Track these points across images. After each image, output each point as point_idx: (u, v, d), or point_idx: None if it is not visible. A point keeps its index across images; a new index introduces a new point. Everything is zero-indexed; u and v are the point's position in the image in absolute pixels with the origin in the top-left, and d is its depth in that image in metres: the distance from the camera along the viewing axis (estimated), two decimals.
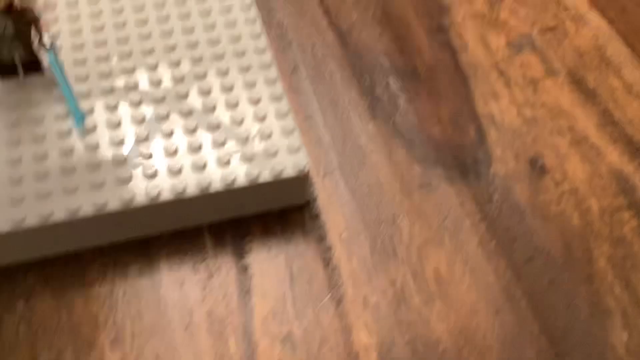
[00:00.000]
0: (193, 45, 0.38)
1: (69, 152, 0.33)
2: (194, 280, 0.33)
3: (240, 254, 0.34)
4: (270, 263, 0.34)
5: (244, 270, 0.33)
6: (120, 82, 0.36)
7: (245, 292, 0.33)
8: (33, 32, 0.34)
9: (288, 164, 0.33)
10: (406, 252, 0.34)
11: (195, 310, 0.32)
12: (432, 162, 0.38)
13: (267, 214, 0.35)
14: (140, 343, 0.31)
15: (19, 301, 0.32)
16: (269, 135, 0.34)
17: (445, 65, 0.42)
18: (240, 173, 0.33)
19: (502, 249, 0.35)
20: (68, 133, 0.33)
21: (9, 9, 0.32)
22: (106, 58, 0.37)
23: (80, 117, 0.33)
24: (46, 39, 0.34)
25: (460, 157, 0.38)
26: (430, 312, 0.33)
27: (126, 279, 0.33)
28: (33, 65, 0.35)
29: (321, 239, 0.35)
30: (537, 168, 0.38)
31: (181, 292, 0.32)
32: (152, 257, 0.33)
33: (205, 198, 0.32)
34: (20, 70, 0.35)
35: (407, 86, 0.41)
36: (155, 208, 0.32)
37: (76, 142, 0.33)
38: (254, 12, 0.40)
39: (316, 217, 0.35)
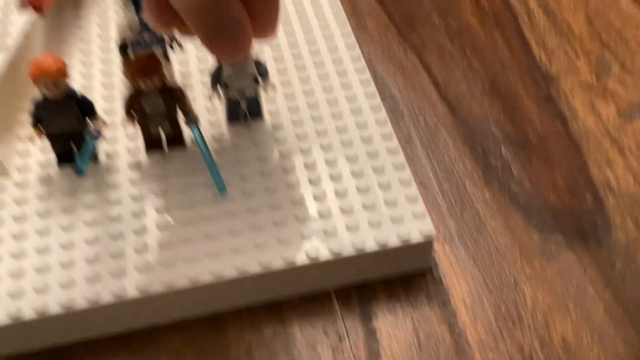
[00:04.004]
0: (318, 120, 0.40)
1: (210, 218, 0.35)
2: (326, 343, 0.34)
3: (368, 317, 0.35)
4: (397, 327, 0.35)
5: (372, 333, 0.34)
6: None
7: (374, 355, 0.34)
8: (179, 110, 0.37)
9: (414, 230, 0.35)
10: (531, 318, 0.35)
11: None
12: (550, 229, 0.38)
13: (392, 279, 0.36)
14: None
15: None
16: (394, 203, 0.36)
17: (557, 133, 0.43)
18: (369, 238, 0.34)
19: (629, 317, 0.35)
20: (212, 199, 0.36)
21: (163, 88, 0.35)
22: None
23: (222, 186, 0.36)
24: (191, 116, 0.37)
25: (579, 223, 0.39)
26: None
27: (261, 339, 0.34)
28: (177, 140, 0.38)
29: (445, 303, 0.35)
30: None
31: (314, 355, 0.34)
32: (284, 320, 0.35)
33: (337, 262, 0.34)
34: (164, 144, 0.38)
35: (520, 154, 0.42)
36: (290, 272, 0.34)
37: (216, 210, 0.36)
38: (372, 86, 0.42)
39: (439, 282, 0.36)
